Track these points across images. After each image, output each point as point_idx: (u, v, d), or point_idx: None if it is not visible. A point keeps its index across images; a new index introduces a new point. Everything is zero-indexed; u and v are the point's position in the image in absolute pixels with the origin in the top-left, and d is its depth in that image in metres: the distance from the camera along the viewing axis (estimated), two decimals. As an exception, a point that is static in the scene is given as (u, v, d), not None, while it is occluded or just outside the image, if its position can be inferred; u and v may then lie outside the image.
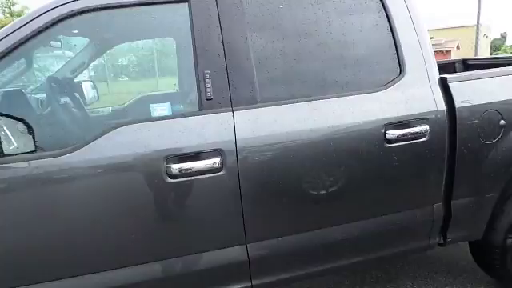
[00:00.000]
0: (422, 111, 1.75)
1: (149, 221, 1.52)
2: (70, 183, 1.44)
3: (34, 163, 1.41)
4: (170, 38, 2.52)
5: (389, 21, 1.79)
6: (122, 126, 1.49)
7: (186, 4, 1.58)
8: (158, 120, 1.56)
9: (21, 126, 1.55)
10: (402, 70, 1.78)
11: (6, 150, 1.42)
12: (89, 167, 1.44)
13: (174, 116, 1.63)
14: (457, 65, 3.45)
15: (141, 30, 2.21)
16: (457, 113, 1.79)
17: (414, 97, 1.76)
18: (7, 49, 1.43)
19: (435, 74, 1.82)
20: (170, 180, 1.47)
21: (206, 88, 1.55)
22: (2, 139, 1.42)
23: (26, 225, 1.42)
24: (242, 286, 1.68)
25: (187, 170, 1.48)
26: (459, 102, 1.80)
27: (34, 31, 1.46)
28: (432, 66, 1.82)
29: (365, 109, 1.70)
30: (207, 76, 1.55)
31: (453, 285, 2.31)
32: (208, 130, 1.52)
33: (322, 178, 1.67)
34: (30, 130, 1.55)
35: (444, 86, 1.82)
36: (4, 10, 22.27)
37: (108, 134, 1.46)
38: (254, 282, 1.69)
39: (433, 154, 1.78)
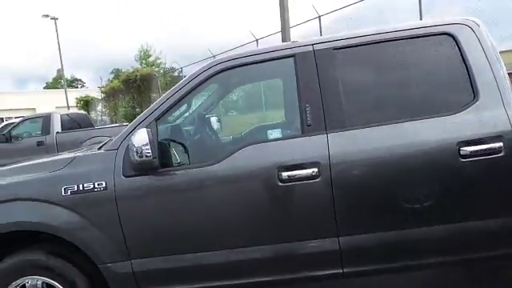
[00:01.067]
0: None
1: (265, 214, 2.09)
2: (212, 185, 2.11)
3: (189, 171, 2.12)
4: (279, 79, 3.19)
5: (463, 59, 2.12)
6: (248, 145, 2.13)
7: (292, 58, 2.19)
8: (272, 141, 2.16)
9: (181, 147, 2.32)
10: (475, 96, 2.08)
11: (174, 162, 2.17)
12: (225, 174, 2.09)
13: (283, 138, 2.22)
14: None
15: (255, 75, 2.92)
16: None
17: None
18: (179, 98, 2.21)
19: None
20: (280, 184, 2.04)
21: (307, 116, 2.11)
22: (172, 156, 2.18)
23: (184, 213, 2.12)
24: (334, 271, 2.11)
25: (293, 176, 2.03)
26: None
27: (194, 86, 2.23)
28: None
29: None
30: (307, 108, 2.11)
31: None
32: (308, 147, 2.06)
33: (402, 186, 2.05)
34: (186, 150, 2.31)
35: (520, 107, 2.05)
36: (142, 61, 26.77)
37: (239, 151, 2.11)
38: (346, 270, 2.11)
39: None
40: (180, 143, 2.37)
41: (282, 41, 11.00)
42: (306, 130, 2.11)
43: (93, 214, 2.14)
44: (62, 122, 8.78)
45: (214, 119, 3.83)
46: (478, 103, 2.07)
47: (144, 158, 1.96)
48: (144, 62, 26.63)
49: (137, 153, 1.96)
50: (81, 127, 9.28)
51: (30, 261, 2.22)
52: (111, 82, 24.88)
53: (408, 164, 2.04)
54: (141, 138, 1.95)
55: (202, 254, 2.14)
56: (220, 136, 3.55)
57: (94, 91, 27.80)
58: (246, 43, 13.43)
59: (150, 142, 1.95)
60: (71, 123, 9.27)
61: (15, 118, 20.00)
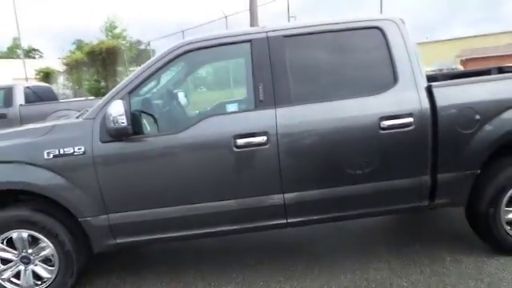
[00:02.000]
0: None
1: (221, 174, 2.50)
2: (177, 150, 2.49)
3: (156, 138, 2.50)
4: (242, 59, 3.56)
5: (389, 50, 2.58)
6: (207, 117, 2.53)
7: (249, 43, 2.57)
8: (230, 114, 2.55)
9: (151, 118, 2.67)
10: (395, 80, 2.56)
11: (145, 131, 2.53)
12: (188, 141, 2.48)
13: (239, 111, 2.62)
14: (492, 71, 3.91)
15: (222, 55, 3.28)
16: (438, 110, 2.51)
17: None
18: (150, 74, 2.54)
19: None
20: (236, 149, 2.45)
21: (259, 93, 2.51)
22: (143, 125, 2.53)
23: (154, 173, 2.50)
24: (280, 221, 2.59)
25: (247, 143, 2.44)
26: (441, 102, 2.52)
27: (163, 64, 2.56)
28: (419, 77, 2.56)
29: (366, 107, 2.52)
30: (260, 86, 2.52)
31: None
32: (260, 119, 2.48)
33: (336, 152, 2.52)
34: (155, 121, 2.66)
35: (429, 91, 2.56)
36: (107, 34, 25.93)
37: (201, 122, 2.50)
38: (289, 220, 2.59)
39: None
40: (150, 114, 2.72)
41: (250, 18, 11.25)
42: (259, 104, 2.52)
43: (73, 175, 2.47)
44: (24, 94, 8.67)
45: (181, 94, 4.16)
46: (396, 86, 2.55)
47: (119, 125, 2.30)
48: (110, 33, 25.83)
49: (113, 121, 2.29)
50: (43, 100, 9.19)
51: (17, 216, 2.53)
52: (73, 53, 24.00)
53: (339, 134, 2.51)
54: (117, 108, 2.29)
55: (168, 209, 2.54)
56: (187, 110, 3.90)
57: (53, 62, 26.68)
58: (215, 19, 13.55)
59: (125, 111, 2.29)
60: (34, 96, 9.14)
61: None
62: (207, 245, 3.27)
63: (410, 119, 2.50)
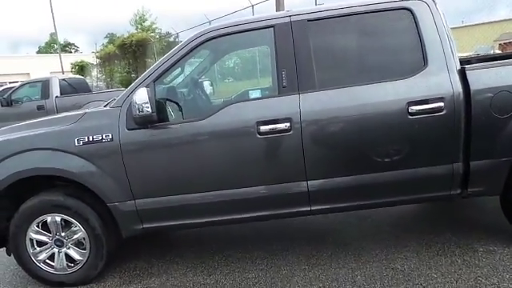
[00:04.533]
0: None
1: (244, 160, 2.50)
2: (201, 137, 2.51)
3: (181, 125, 2.52)
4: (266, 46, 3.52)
5: (418, 31, 2.46)
6: (230, 104, 2.52)
7: (272, 29, 2.53)
8: (253, 100, 2.54)
9: (175, 106, 2.70)
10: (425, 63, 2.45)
11: (170, 118, 2.56)
12: (212, 128, 2.48)
13: (262, 97, 2.60)
14: None
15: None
16: (472, 94, 2.38)
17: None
18: (174, 62, 2.56)
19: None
20: (259, 136, 2.44)
21: (282, 79, 2.48)
22: (168, 113, 2.56)
23: (178, 160, 2.54)
24: (303, 209, 2.56)
25: (270, 129, 2.43)
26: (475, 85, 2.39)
27: (186, 52, 2.57)
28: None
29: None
30: (283, 72, 2.48)
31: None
32: (283, 105, 2.45)
33: (362, 139, 2.46)
34: (180, 108, 2.69)
35: (462, 74, 2.43)
36: (137, 26, 26.45)
37: (224, 109, 2.50)
38: (313, 208, 2.56)
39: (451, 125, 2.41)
40: (175, 102, 2.75)
41: (276, 7, 11.12)
42: (282, 91, 2.49)
43: (102, 162, 2.55)
44: (60, 86, 9.04)
45: (207, 83, 4.19)
46: (426, 69, 2.44)
47: (144, 112, 2.34)
48: (140, 26, 26.36)
49: (138, 109, 2.33)
50: (78, 92, 9.56)
51: (51, 201, 2.64)
52: (106, 46, 24.70)
53: (365, 120, 2.44)
54: (142, 95, 2.32)
55: (192, 195, 2.57)
56: (211, 98, 3.92)
57: (88, 56, 27.57)
58: (241, 9, 13.49)
59: (150, 99, 2.33)
60: (69, 88, 9.52)
61: (9, 83, 20.05)
62: (232, 231, 3.30)
63: (441, 104, 2.39)
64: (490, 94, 2.40)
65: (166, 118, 2.53)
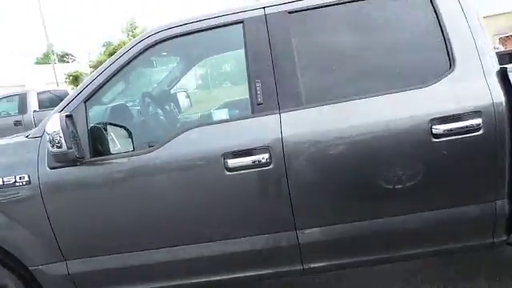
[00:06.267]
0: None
1: (212, 208, 1.83)
2: (147, 177, 1.85)
3: (120, 161, 1.85)
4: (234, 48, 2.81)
5: (439, 22, 1.80)
6: (192, 128, 1.86)
7: (241, 25, 1.87)
8: (218, 123, 1.87)
9: (123, 131, 2.04)
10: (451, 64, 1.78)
11: (113, 149, 1.90)
12: (162, 165, 1.82)
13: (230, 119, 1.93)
14: None
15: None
16: (517, 105, 1.71)
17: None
18: (111, 75, 1.90)
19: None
20: (227, 173, 1.77)
21: (257, 93, 1.81)
22: (108, 142, 1.90)
23: (122, 208, 1.87)
24: (293, 268, 1.88)
25: (241, 164, 1.76)
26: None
27: (128, 60, 1.91)
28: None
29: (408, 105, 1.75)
30: (258, 84, 1.81)
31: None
32: (258, 129, 1.79)
33: (368, 173, 1.78)
34: (130, 135, 2.02)
35: (503, 77, 1.75)
36: (128, 34, 25.91)
37: (180, 136, 1.83)
38: (306, 266, 1.88)
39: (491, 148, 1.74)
40: (122, 127, 2.09)
41: None
42: (257, 109, 1.82)
43: (18, 211, 1.89)
44: (39, 100, 8.42)
45: (181, 95, 3.53)
46: (454, 73, 1.77)
47: (57, 149, 1.67)
48: (131, 34, 25.77)
49: (51, 142, 1.67)
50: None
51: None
52: (102, 55, 24.15)
53: (374, 147, 1.77)
54: (53, 125, 1.66)
55: (145, 253, 1.90)
56: (184, 114, 3.26)
57: (85, 65, 27.01)
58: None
59: (63, 129, 1.66)
60: (51, 101, 8.89)
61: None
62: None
63: (478, 120, 1.71)
64: (544, 105, 1.72)
65: (104, 150, 1.88)
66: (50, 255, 1.91)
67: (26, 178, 1.86)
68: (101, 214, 1.89)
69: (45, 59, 52.28)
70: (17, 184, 1.86)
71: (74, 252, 1.93)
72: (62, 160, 1.74)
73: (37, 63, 52.91)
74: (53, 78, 24.73)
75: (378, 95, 1.78)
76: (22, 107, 8.22)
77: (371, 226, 1.83)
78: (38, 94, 8.56)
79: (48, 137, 1.67)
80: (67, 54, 55.72)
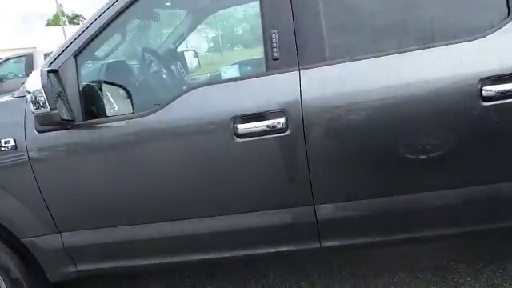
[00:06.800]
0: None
1: (219, 179, 1.62)
2: (144, 142, 1.63)
3: (116, 124, 1.62)
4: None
5: None
6: (194, 88, 1.61)
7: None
8: (226, 82, 1.62)
9: (121, 91, 1.80)
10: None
11: (109, 111, 1.67)
12: (162, 129, 1.59)
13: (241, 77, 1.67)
14: None
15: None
16: None
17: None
18: (105, 24, 1.63)
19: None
20: (237, 140, 1.54)
21: (272, 47, 1.54)
22: (104, 104, 1.67)
23: (119, 177, 1.67)
24: (310, 246, 1.68)
25: (253, 129, 1.52)
26: None
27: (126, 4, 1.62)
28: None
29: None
30: (274, 35, 1.53)
31: None
32: (273, 89, 1.53)
33: (401, 141, 1.53)
34: (129, 95, 1.78)
35: None
36: None
37: (182, 97, 1.59)
38: (323, 244, 1.68)
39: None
40: (120, 86, 1.84)
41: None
42: (272, 65, 1.55)
43: (5, 179, 1.71)
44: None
45: (189, 54, 3.25)
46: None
47: (40, 110, 1.45)
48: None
49: (33, 102, 1.45)
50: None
51: None
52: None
53: (410, 111, 1.50)
54: (33, 82, 1.43)
55: (143, 227, 1.72)
56: (192, 75, 3.00)
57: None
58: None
59: (45, 88, 1.43)
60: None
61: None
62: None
63: (540, 80, 1.42)
64: None
65: (99, 112, 1.66)
66: (42, 226, 1.75)
67: (12, 143, 1.66)
68: (96, 182, 1.69)
69: (55, 21, 51.71)
70: (2, 149, 1.66)
71: (69, 224, 1.76)
72: (46, 122, 1.52)
73: (48, 25, 52.42)
74: (64, 40, 24.43)
75: (417, 49, 1.49)
76: (29, 68, 8.03)
77: (397, 202, 1.59)
78: (45, 54, 8.32)
79: (30, 96, 1.44)
80: (78, 16, 55.00)
